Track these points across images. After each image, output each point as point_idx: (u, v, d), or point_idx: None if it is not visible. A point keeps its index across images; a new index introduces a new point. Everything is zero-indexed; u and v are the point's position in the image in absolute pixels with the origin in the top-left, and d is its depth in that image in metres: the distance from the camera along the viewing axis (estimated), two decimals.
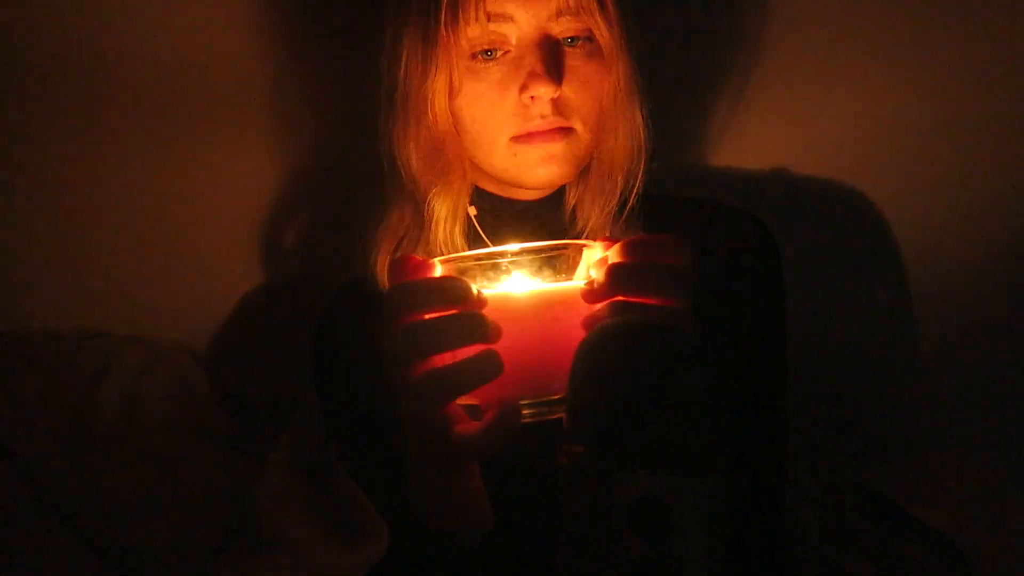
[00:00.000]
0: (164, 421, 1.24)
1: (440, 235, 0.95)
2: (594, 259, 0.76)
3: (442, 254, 0.95)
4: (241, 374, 1.33)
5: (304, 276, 1.33)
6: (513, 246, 0.75)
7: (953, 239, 1.24)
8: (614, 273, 0.72)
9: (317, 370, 1.06)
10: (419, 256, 0.74)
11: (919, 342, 1.26)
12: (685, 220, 1.02)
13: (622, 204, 0.97)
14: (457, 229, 0.96)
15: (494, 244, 0.99)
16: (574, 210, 0.99)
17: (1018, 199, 1.22)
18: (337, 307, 1.06)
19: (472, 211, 0.99)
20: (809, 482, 1.18)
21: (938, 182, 1.24)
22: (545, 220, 0.99)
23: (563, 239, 0.97)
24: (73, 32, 1.22)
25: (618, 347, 0.65)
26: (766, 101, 1.26)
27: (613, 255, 0.73)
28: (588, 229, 0.97)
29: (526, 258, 0.75)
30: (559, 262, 0.76)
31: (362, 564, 0.96)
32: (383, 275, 1.00)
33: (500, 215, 1.00)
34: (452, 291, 0.71)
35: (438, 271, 0.74)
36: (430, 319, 0.70)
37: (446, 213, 0.95)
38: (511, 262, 0.74)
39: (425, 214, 0.95)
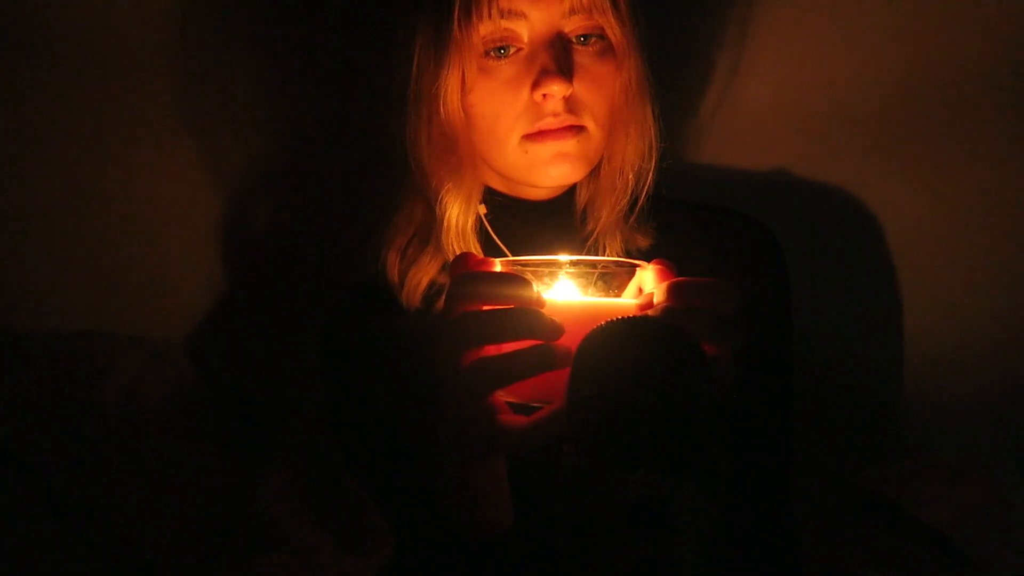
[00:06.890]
0: (164, 421, 1.24)
1: (452, 233, 0.95)
2: (646, 281, 0.76)
3: (453, 253, 0.96)
4: (241, 374, 1.33)
5: (304, 276, 1.33)
6: (569, 256, 0.77)
7: (952, 238, 1.25)
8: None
9: (325, 372, 1.05)
10: (478, 256, 0.76)
11: (917, 342, 1.27)
12: (695, 225, 1.03)
13: (632, 204, 0.97)
14: (469, 227, 0.96)
15: (504, 244, 0.99)
16: (584, 209, 0.99)
17: (1015, 198, 1.23)
18: (346, 309, 1.05)
19: (482, 210, 0.99)
20: (809, 482, 1.18)
21: (934, 182, 1.24)
22: (555, 219, 0.99)
23: (575, 240, 0.98)
24: (69, 32, 1.22)
25: (618, 346, 0.65)
26: (762, 99, 1.26)
27: (660, 293, 0.73)
28: (598, 228, 0.98)
29: (581, 270, 0.77)
30: (610, 277, 0.77)
31: (365, 568, 0.95)
32: (392, 273, 1.00)
33: (510, 214, 1.00)
34: (517, 288, 0.72)
35: (497, 270, 0.75)
36: (497, 309, 0.71)
37: (458, 211, 0.95)
38: (566, 272, 0.76)
39: (436, 212, 0.95)
